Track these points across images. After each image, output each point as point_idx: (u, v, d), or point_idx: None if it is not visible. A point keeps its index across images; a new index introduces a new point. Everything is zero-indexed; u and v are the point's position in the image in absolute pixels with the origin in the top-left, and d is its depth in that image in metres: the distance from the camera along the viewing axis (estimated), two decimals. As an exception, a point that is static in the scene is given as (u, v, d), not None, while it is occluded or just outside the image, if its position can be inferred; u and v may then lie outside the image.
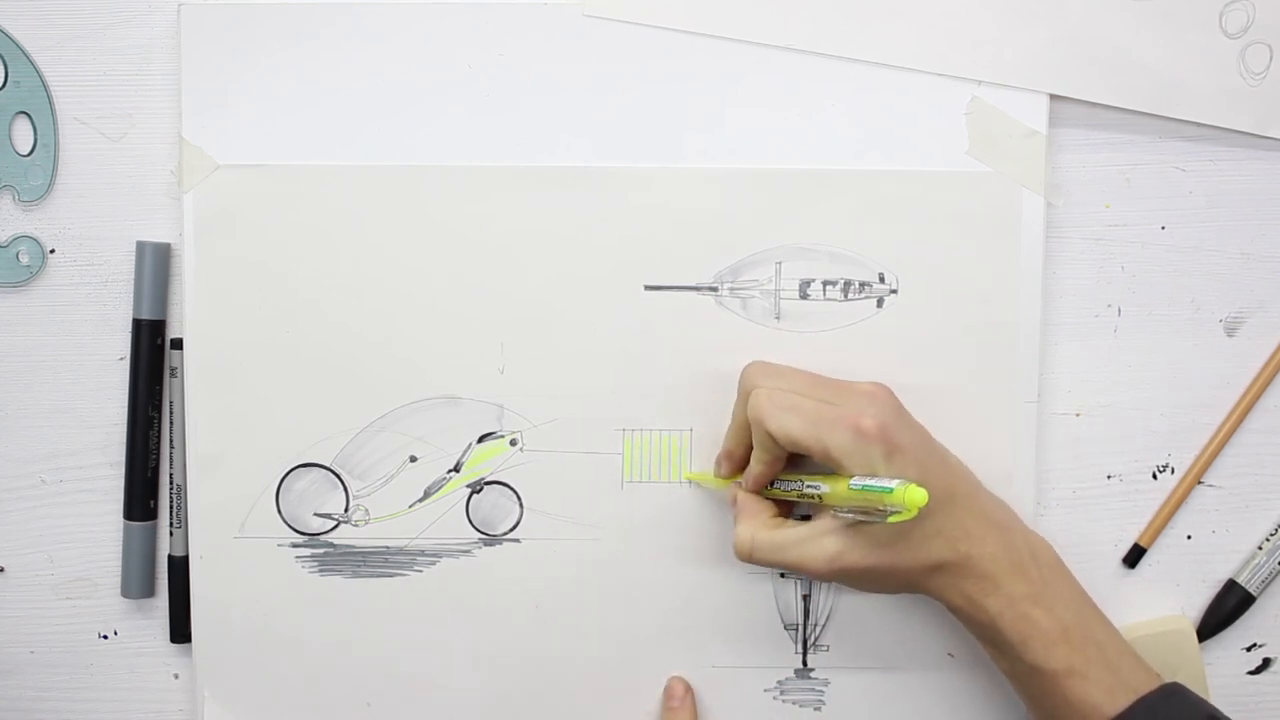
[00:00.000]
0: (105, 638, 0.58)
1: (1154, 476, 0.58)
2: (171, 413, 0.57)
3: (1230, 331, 0.57)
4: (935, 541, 0.47)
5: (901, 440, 0.47)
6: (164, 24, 0.55)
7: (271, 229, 0.55)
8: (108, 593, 0.58)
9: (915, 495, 0.43)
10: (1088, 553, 0.57)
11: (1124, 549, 0.58)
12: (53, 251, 0.56)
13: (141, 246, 0.56)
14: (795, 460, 0.52)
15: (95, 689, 0.58)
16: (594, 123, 0.55)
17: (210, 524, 0.56)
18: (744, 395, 0.51)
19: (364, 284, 0.55)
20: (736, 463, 0.53)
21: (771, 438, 0.49)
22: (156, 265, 0.56)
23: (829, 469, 0.49)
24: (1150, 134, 0.56)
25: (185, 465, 0.56)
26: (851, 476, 0.46)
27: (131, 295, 0.56)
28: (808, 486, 0.49)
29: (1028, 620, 0.48)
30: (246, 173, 0.55)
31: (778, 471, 0.51)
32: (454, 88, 0.55)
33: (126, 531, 0.57)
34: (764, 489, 0.52)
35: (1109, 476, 0.57)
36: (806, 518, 0.51)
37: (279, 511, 0.56)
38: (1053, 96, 0.55)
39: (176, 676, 0.58)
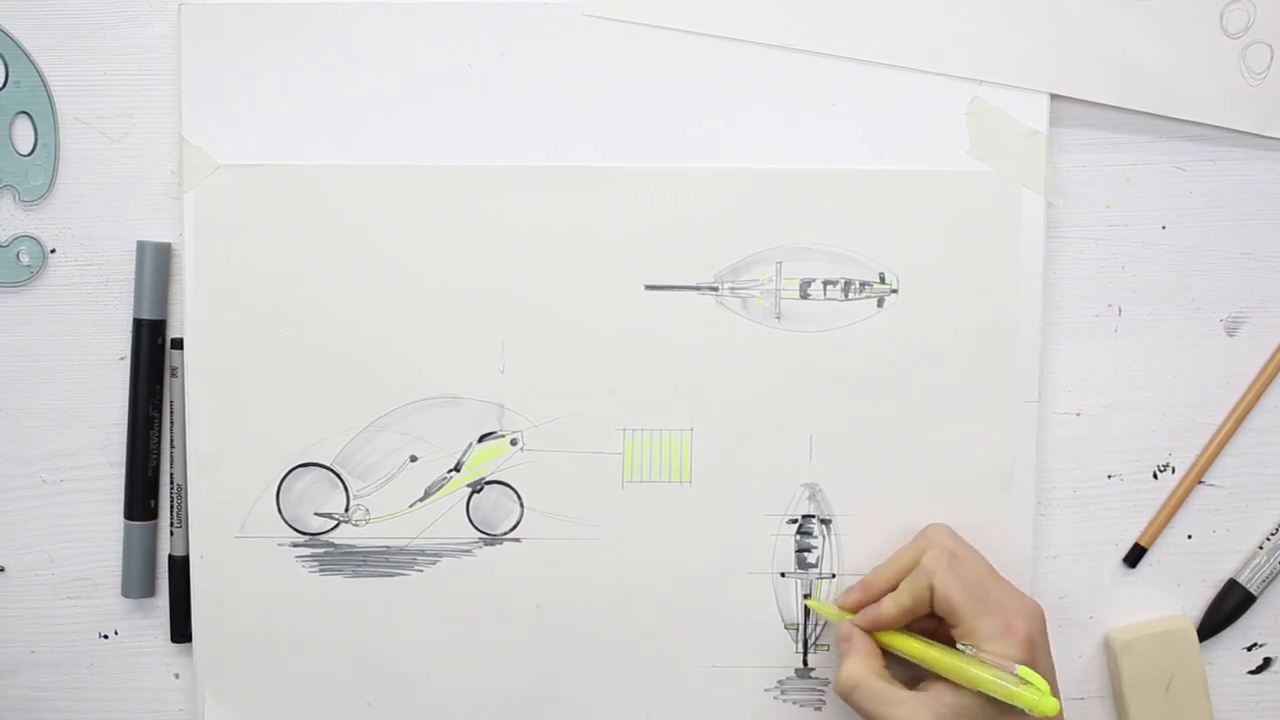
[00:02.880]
0: (105, 637, 0.58)
1: (1154, 476, 0.58)
2: (172, 412, 0.57)
3: (1230, 331, 0.57)
4: None
5: (1038, 657, 0.50)
6: (164, 24, 0.55)
7: (271, 229, 0.55)
8: (108, 592, 0.58)
9: (1049, 704, 0.46)
10: (1088, 553, 0.57)
11: (1124, 549, 0.58)
12: (53, 251, 0.57)
13: (142, 246, 0.56)
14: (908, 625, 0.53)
15: (95, 689, 0.58)
16: (594, 123, 0.55)
17: (210, 524, 0.56)
18: (920, 546, 0.53)
19: (364, 284, 0.55)
20: (869, 595, 0.54)
21: (929, 593, 0.51)
22: (156, 265, 0.56)
23: (950, 645, 0.50)
24: (1150, 134, 0.56)
25: (185, 465, 0.56)
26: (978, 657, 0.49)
27: (132, 295, 0.56)
28: (961, 645, 0.50)
29: None
30: (246, 173, 0.55)
31: (904, 624, 0.52)
32: (454, 88, 0.55)
33: (127, 531, 0.57)
34: (879, 632, 0.53)
35: (1109, 476, 0.57)
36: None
37: (279, 511, 0.56)
38: (1053, 96, 0.55)
39: (177, 676, 0.58)
